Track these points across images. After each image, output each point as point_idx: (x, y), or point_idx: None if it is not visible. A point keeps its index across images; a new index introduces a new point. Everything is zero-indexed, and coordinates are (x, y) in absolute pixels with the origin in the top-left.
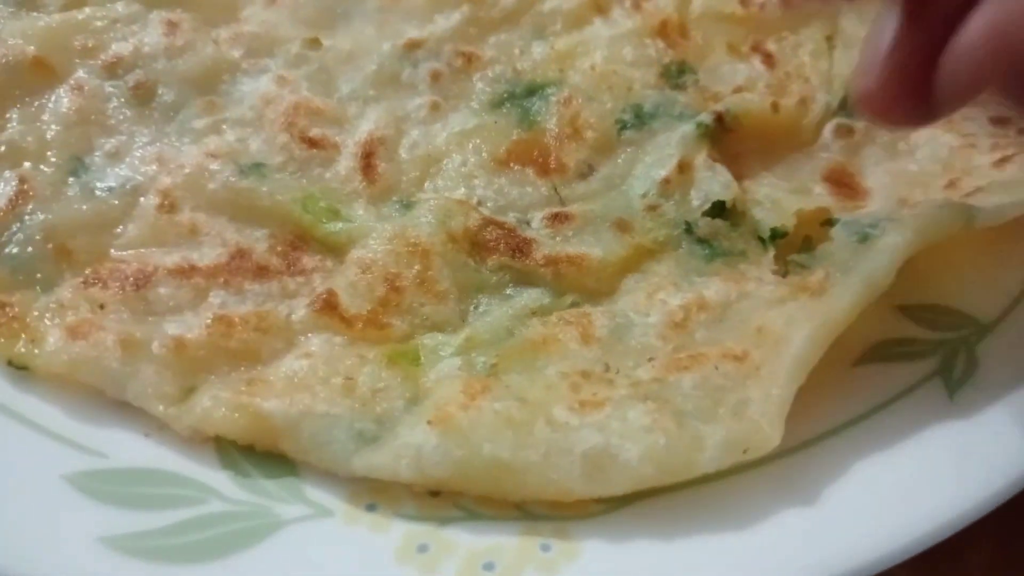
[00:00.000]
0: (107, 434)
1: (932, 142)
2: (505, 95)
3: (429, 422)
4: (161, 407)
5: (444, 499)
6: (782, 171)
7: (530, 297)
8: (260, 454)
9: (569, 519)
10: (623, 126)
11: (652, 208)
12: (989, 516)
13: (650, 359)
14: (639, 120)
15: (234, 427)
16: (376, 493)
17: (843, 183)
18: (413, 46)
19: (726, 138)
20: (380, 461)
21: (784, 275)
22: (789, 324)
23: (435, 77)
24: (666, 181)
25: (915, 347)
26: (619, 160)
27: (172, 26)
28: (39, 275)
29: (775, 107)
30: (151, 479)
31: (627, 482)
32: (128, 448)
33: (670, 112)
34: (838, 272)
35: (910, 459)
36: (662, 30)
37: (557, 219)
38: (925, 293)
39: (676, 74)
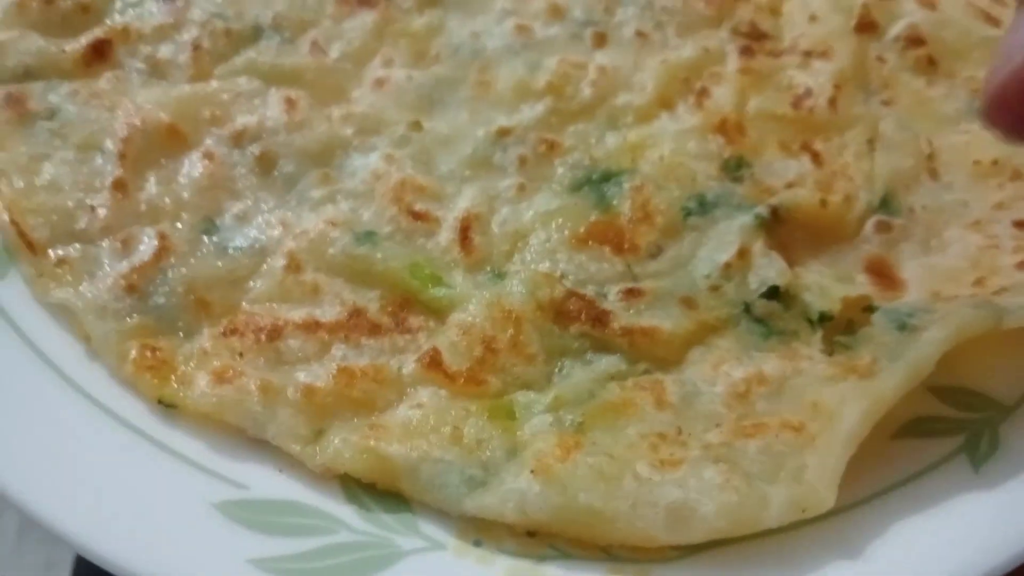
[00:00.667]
0: (246, 468)
1: (962, 240)
2: (583, 179)
3: (532, 471)
4: (297, 447)
5: (540, 539)
6: (827, 259)
7: (608, 363)
8: (379, 491)
9: (650, 562)
10: (688, 213)
11: (714, 288)
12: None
13: (717, 425)
14: (702, 208)
15: (361, 467)
16: (480, 531)
17: (882, 274)
18: (503, 133)
19: (779, 228)
20: (489, 503)
21: (830, 353)
22: (842, 402)
23: (522, 161)
24: (727, 265)
25: (944, 424)
26: (684, 242)
27: (291, 103)
28: (181, 323)
29: (823, 203)
30: (288, 510)
31: (704, 532)
32: (266, 481)
33: (729, 202)
34: (883, 357)
35: (941, 523)
36: (721, 127)
37: (631, 294)
38: (953, 376)
39: (734, 168)
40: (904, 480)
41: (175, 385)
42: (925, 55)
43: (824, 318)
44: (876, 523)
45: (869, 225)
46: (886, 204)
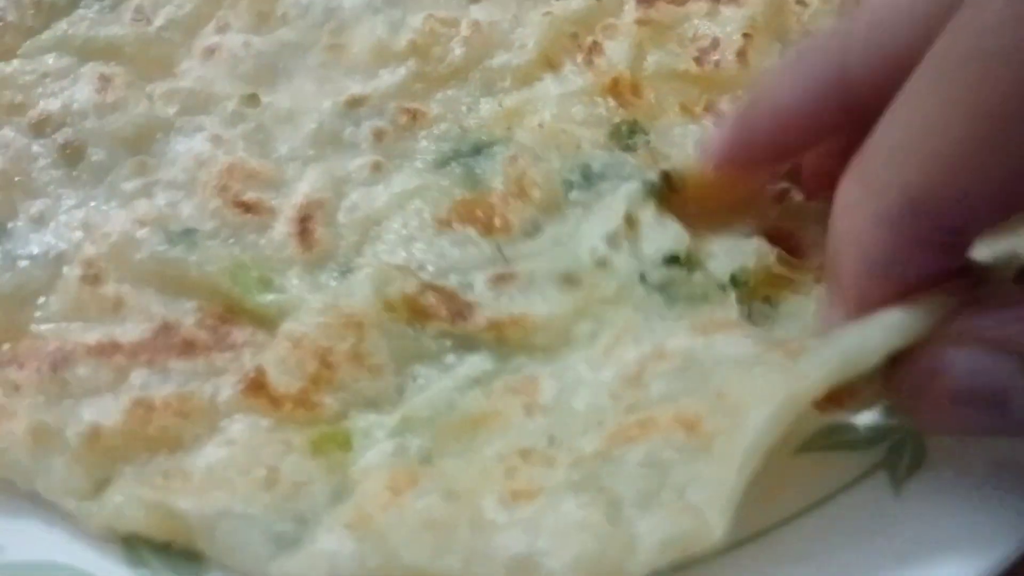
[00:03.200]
0: (9, 524)
1: None
2: (451, 153)
3: (347, 526)
4: (73, 502)
5: None
6: (724, 231)
7: (472, 364)
8: (167, 548)
9: None
10: (571, 186)
11: (601, 262)
12: None
13: (600, 422)
14: (587, 181)
15: (147, 525)
16: None
17: (785, 245)
18: (355, 103)
19: (672, 199)
20: (296, 569)
21: (749, 319)
22: (752, 395)
23: (378, 136)
24: (613, 235)
25: (859, 434)
26: (566, 219)
27: (104, 81)
28: None
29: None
30: (46, 573)
31: None
32: (28, 539)
33: (619, 173)
34: (815, 337)
35: (853, 556)
36: (614, 88)
37: (501, 279)
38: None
39: (627, 134)
40: (810, 505)
41: None
42: None
43: (736, 281)
44: (775, 559)
45: (770, 194)
46: (792, 173)
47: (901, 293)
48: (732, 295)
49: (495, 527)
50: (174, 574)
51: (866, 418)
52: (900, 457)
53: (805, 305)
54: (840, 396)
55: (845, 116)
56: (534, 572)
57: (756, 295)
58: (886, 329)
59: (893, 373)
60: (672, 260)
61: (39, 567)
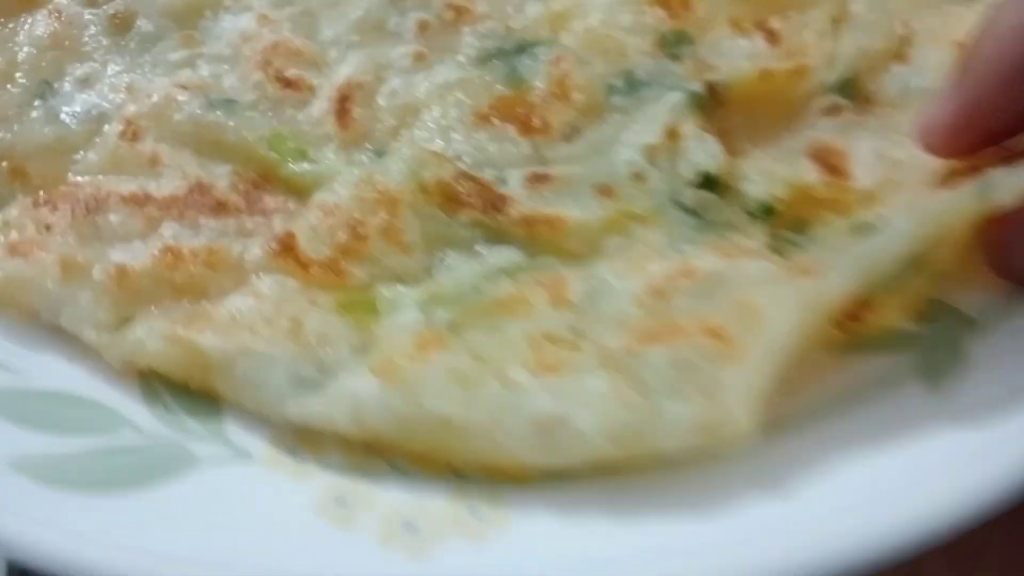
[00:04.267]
0: (31, 355)
1: None
2: (494, 51)
3: (372, 370)
4: (93, 334)
5: (373, 452)
6: (768, 145)
7: (502, 256)
8: (184, 389)
9: (505, 485)
10: (612, 91)
11: (638, 176)
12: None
13: (621, 325)
14: (630, 87)
15: (166, 360)
16: (303, 441)
17: (830, 163)
18: None
19: (716, 111)
20: (315, 408)
21: (779, 252)
22: (774, 304)
23: (422, 27)
24: (652, 148)
25: (895, 337)
26: (606, 125)
27: None
28: None
29: (766, 74)
30: (65, 403)
31: (578, 452)
32: (49, 370)
33: (663, 81)
34: (836, 253)
35: (889, 455)
36: None
37: (536, 179)
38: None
39: (673, 44)
40: (843, 401)
41: None
42: None
43: (767, 210)
44: (806, 453)
45: (819, 107)
46: (844, 87)
47: (1005, 123)
48: (759, 226)
49: (523, 388)
50: (189, 415)
51: (903, 321)
52: (937, 359)
53: (840, 228)
54: (861, 311)
55: None
56: (562, 430)
57: (786, 220)
58: (896, 238)
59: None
60: (706, 182)
61: (59, 396)
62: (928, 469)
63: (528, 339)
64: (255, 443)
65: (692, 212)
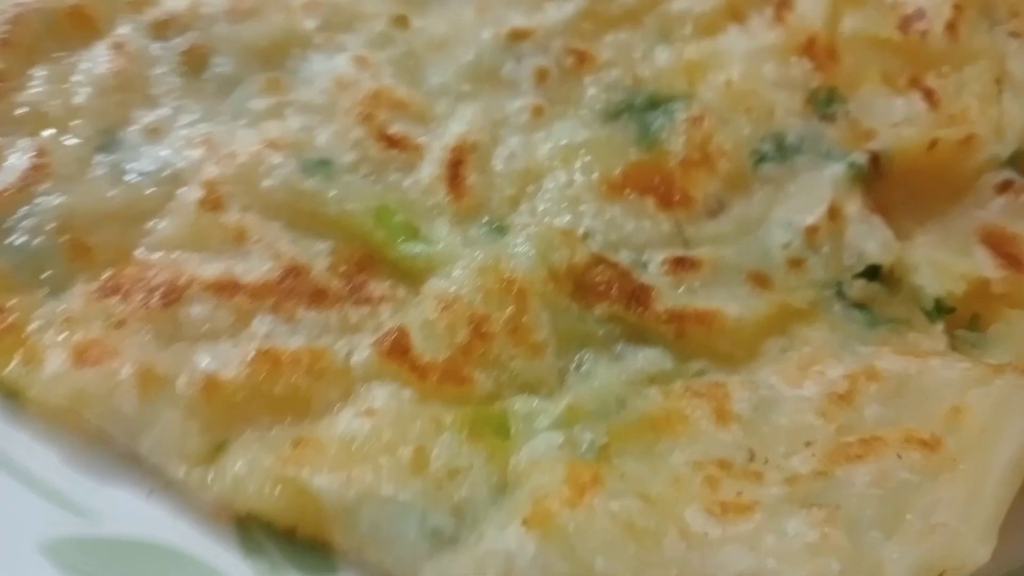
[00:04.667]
0: (104, 489)
1: None
2: (622, 105)
3: (525, 522)
4: (183, 468)
5: None
6: (935, 228)
7: (647, 359)
8: (289, 534)
9: None
10: (761, 158)
11: (795, 262)
12: None
13: (808, 443)
14: (780, 153)
15: (273, 504)
16: None
17: (1004, 251)
18: (518, 37)
19: (877, 184)
20: (459, 571)
21: (955, 350)
22: (998, 410)
23: (541, 76)
24: (813, 230)
25: None
26: (755, 198)
27: None
28: (47, 274)
29: (933, 144)
30: (146, 556)
31: None
32: (125, 510)
33: (817, 147)
34: None
35: None
36: (808, 48)
37: (681, 264)
38: None
39: (825, 102)
40: None
41: (19, 363)
42: None
43: (942, 307)
44: None
45: (990, 184)
46: (1016, 161)
47: None
48: (939, 323)
49: (709, 541)
50: (297, 570)
51: None
52: None
53: (1021, 324)
54: None
55: None
56: None
57: (963, 317)
58: None
59: None
60: (873, 272)
61: (138, 547)
62: None
63: (698, 468)
64: None
65: (860, 307)
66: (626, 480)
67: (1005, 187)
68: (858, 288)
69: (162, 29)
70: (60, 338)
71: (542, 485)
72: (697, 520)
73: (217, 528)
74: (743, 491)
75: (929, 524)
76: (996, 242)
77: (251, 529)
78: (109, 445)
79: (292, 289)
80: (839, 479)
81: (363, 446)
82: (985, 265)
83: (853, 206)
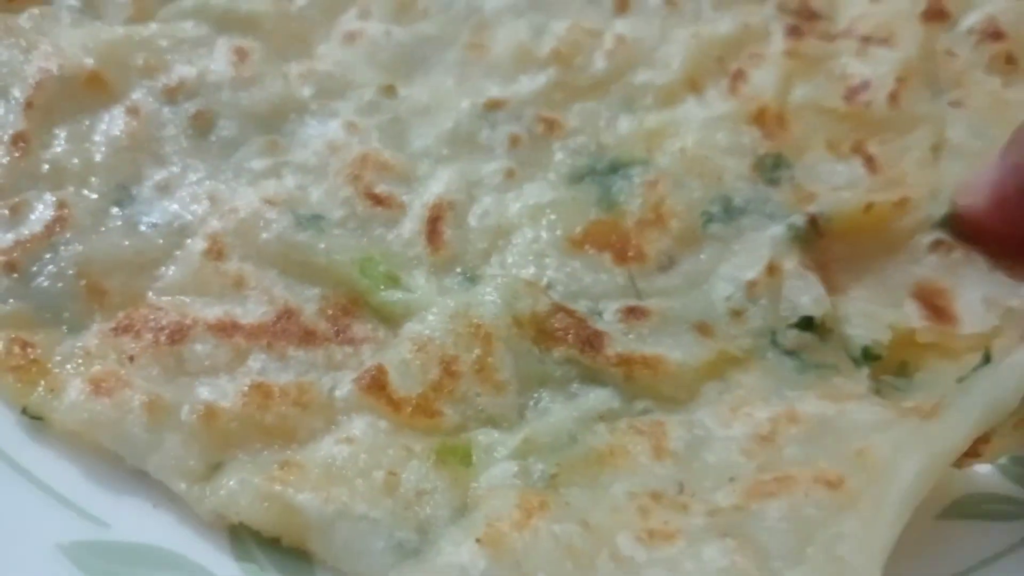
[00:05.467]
0: (116, 500)
1: None
2: (586, 169)
3: (478, 540)
4: (184, 484)
5: None
6: (871, 282)
7: (597, 399)
8: (276, 543)
9: None
10: (710, 218)
11: (736, 313)
12: None
13: (732, 479)
14: (728, 214)
15: (261, 517)
16: None
17: (933, 304)
18: (494, 106)
19: (817, 243)
20: None
21: (878, 394)
22: (897, 450)
23: (513, 142)
24: (753, 284)
25: (1007, 506)
26: (702, 255)
27: (241, 54)
28: (67, 314)
29: (869, 207)
30: (152, 559)
31: None
32: (134, 519)
33: (761, 209)
34: (953, 392)
35: None
36: (759, 117)
37: (633, 313)
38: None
39: (771, 167)
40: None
41: (43, 392)
42: (1003, 51)
43: (869, 355)
44: None
45: (924, 242)
46: (949, 222)
47: None
48: (864, 369)
49: (635, 564)
50: (278, 570)
51: (1014, 489)
52: None
53: (945, 372)
54: (975, 446)
55: None
56: None
57: (890, 364)
58: (1019, 373)
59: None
60: (807, 323)
61: (144, 551)
62: None
63: (633, 499)
64: None
65: (791, 354)
66: (570, 507)
67: (937, 246)
68: (791, 337)
69: (173, 94)
70: (79, 371)
71: (496, 509)
72: (627, 545)
73: (213, 536)
74: (669, 520)
75: (828, 556)
76: (926, 295)
77: (242, 538)
78: (120, 463)
79: (284, 330)
80: (754, 512)
81: (341, 469)
82: (912, 316)
83: (790, 263)
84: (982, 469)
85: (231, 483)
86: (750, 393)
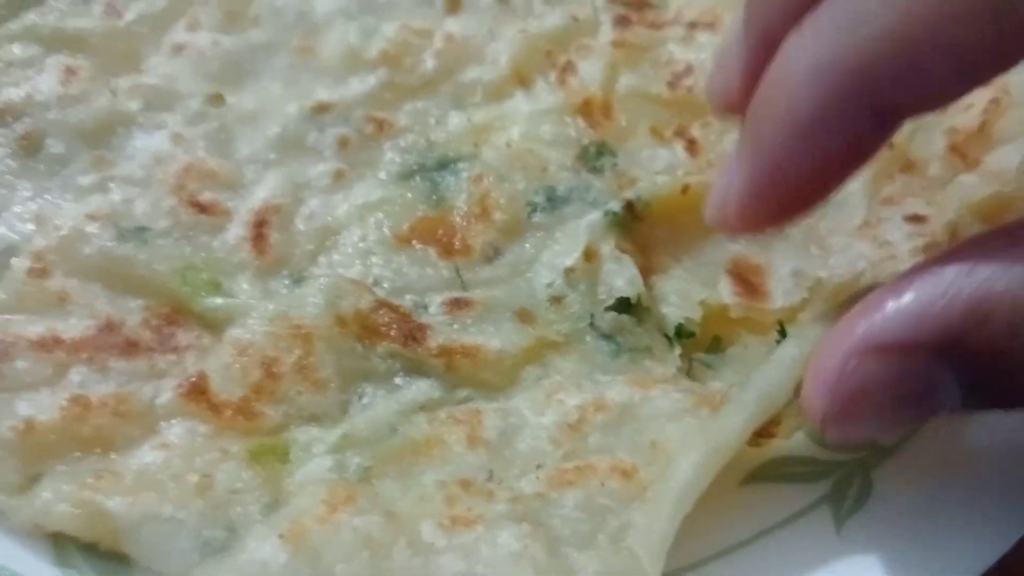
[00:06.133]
0: None
1: (848, 250)
2: (415, 167)
3: (281, 536)
4: (2, 496)
5: None
6: (690, 263)
7: (419, 390)
8: (98, 552)
9: None
10: (533, 209)
11: (556, 299)
12: None
13: (538, 466)
14: (551, 204)
15: (74, 524)
16: None
17: (746, 280)
18: (321, 109)
19: (637, 227)
20: (222, 575)
21: (688, 373)
22: (682, 445)
23: (342, 143)
24: (571, 271)
25: (807, 467)
26: (527, 245)
27: (69, 72)
28: None
29: (685, 189)
30: None
31: None
32: None
33: (584, 197)
34: (738, 384)
35: None
36: (585, 108)
37: (456, 305)
38: None
39: (594, 156)
40: (751, 537)
41: None
42: None
43: (682, 332)
44: None
45: None
46: None
47: (816, 169)
48: (677, 350)
49: (433, 550)
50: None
51: (815, 450)
52: (845, 492)
53: (756, 347)
54: (768, 428)
55: None
56: None
57: (704, 341)
58: (788, 366)
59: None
60: (623, 305)
61: None
62: None
63: (442, 488)
64: None
65: (608, 337)
66: (378, 499)
67: None
68: (608, 320)
69: (1, 116)
70: None
71: (303, 504)
72: (429, 532)
73: (35, 546)
74: (472, 507)
75: (615, 545)
76: (740, 272)
77: (64, 545)
78: None
79: (106, 343)
80: (552, 500)
81: (155, 474)
82: (725, 292)
83: (607, 247)
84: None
85: (46, 494)
86: (566, 379)
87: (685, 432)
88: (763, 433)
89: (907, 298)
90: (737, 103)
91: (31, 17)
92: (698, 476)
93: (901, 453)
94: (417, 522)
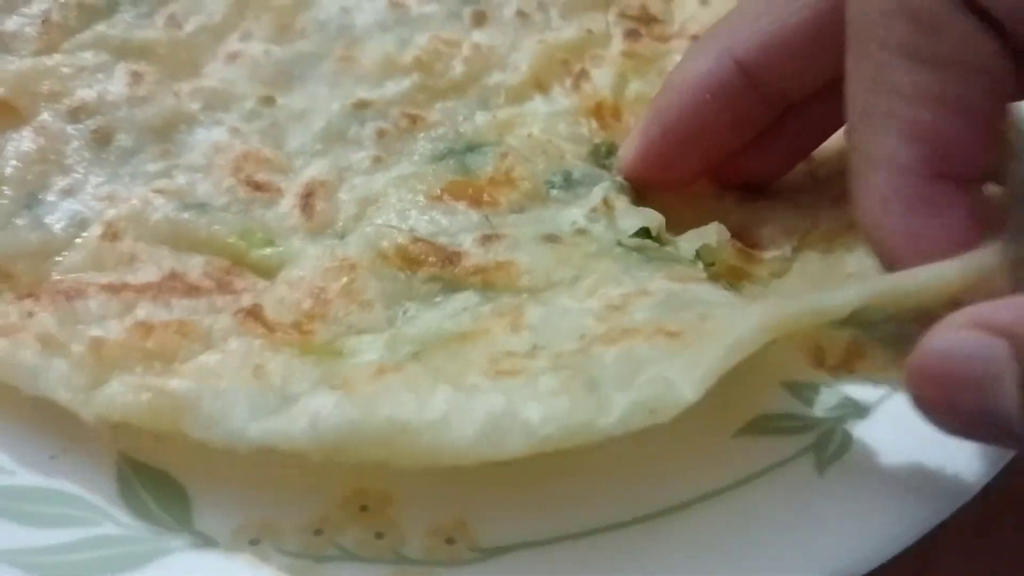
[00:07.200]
0: (17, 453)
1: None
2: (446, 151)
3: (332, 387)
4: (68, 394)
5: (325, 537)
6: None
7: (461, 300)
8: (157, 485)
9: (441, 565)
10: (552, 186)
11: (581, 231)
12: None
13: (581, 337)
14: (567, 183)
15: (138, 408)
16: (262, 529)
17: (743, 240)
18: (362, 107)
19: (643, 196)
20: (276, 426)
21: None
22: (735, 316)
23: (380, 135)
24: (593, 210)
25: (794, 422)
26: (548, 208)
27: (136, 77)
28: None
29: None
30: (52, 499)
31: (523, 443)
32: (35, 467)
33: (596, 182)
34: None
35: (772, 532)
36: (596, 111)
37: (488, 239)
38: (812, 372)
39: (605, 154)
40: (737, 482)
41: None
42: None
43: (702, 256)
44: (699, 529)
45: (731, 197)
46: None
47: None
48: (700, 265)
49: (476, 389)
50: (160, 507)
51: (802, 408)
52: (827, 444)
53: (763, 295)
54: (851, 360)
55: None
56: (510, 423)
57: (719, 279)
58: (859, 286)
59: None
60: (644, 234)
61: (45, 492)
62: (807, 545)
63: (488, 356)
64: (219, 532)
65: (636, 250)
66: (426, 366)
67: (742, 200)
68: (633, 242)
69: (76, 114)
70: None
71: (354, 370)
72: (472, 379)
73: (100, 480)
74: (516, 364)
75: (655, 379)
76: (737, 237)
77: (126, 476)
78: (21, 424)
79: (170, 287)
80: (593, 355)
81: (213, 369)
82: (726, 239)
83: (622, 202)
84: (774, 392)
85: (113, 386)
86: (603, 277)
87: (737, 306)
88: (844, 364)
89: None
90: None
91: (101, 28)
92: (757, 332)
93: (882, 408)
94: (462, 376)
